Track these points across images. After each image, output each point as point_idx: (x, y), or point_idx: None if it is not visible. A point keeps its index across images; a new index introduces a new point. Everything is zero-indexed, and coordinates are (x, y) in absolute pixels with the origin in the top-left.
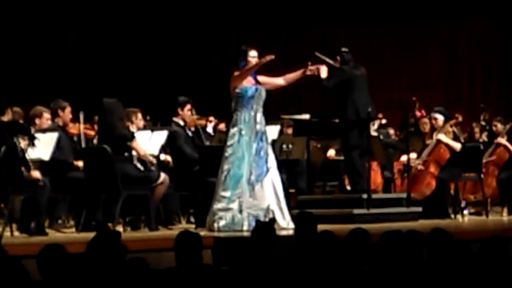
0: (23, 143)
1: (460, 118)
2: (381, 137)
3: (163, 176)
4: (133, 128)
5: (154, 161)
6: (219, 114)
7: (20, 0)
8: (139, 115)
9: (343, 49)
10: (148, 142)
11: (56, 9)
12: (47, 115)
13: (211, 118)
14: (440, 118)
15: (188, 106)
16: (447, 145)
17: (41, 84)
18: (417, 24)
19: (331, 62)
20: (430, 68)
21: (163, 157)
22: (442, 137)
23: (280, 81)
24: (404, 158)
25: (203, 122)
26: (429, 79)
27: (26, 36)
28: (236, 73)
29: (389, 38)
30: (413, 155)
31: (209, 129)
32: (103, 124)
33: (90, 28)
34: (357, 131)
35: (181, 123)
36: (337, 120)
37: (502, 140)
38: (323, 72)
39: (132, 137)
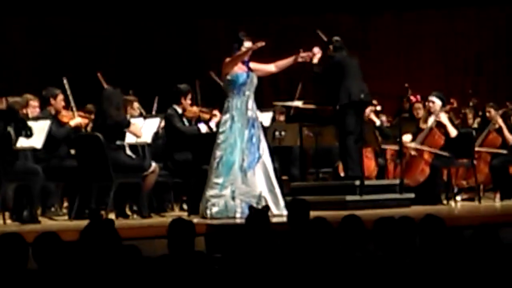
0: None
1: (455, 104)
2: (378, 123)
3: (154, 165)
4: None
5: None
6: (207, 103)
7: None
8: (135, 104)
9: (335, 38)
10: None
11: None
12: (34, 103)
13: (215, 112)
14: (437, 102)
15: (190, 96)
16: (441, 131)
17: (36, 72)
18: (410, 13)
19: (325, 39)
20: (423, 56)
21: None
22: (443, 117)
23: (271, 67)
24: (405, 138)
25: (206, 115)
26: (421, 67)
27: (23, 27)
28: (228, 60)
29: (383, 27)
30: (408, 137)
31: (212, 124)
32: (99, 112)
33: (81, 15)
34: (354, 117)
35: (179, 110)
36: (331, 107)
37: (499, 120)
38: (315, 58)
39: (128, 123)
